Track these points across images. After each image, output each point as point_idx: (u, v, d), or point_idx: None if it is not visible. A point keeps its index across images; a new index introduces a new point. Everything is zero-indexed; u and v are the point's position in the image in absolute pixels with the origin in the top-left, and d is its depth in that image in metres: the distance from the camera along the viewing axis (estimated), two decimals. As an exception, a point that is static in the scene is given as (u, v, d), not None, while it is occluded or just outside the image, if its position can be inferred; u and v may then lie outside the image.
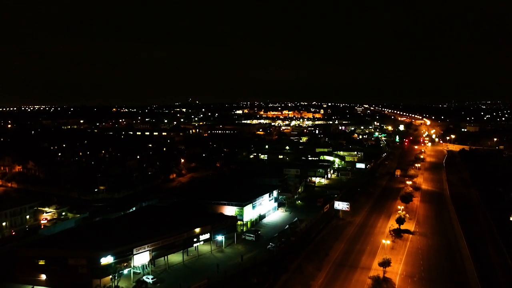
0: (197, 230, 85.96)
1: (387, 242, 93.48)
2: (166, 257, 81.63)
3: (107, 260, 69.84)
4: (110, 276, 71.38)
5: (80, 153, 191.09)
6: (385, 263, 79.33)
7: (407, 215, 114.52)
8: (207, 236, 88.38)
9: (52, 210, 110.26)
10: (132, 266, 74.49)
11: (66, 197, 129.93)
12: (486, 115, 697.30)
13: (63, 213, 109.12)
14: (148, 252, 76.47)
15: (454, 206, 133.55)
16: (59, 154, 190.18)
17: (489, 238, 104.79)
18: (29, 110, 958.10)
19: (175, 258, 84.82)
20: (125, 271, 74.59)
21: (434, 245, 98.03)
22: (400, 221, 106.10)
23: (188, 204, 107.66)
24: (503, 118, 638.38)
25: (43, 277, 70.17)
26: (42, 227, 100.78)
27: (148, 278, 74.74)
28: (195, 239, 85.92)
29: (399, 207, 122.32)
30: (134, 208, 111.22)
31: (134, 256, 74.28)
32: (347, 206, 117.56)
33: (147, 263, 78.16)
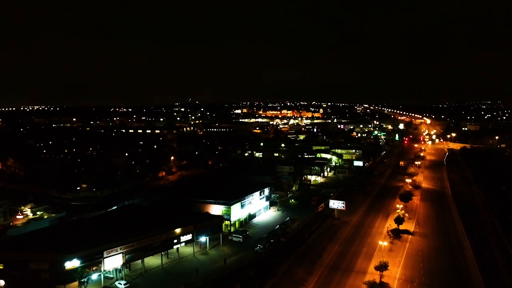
0: (178, 230, 79.07)
1: (384, 243, 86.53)
2: (143, 260, 74.77)
3: (72, 264, 62.87)
4: (78, 282, 64.54)
5: (66, 150, 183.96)
6: (382, 267, 72.58)
7: (407, 215, 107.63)
8: (189, 237, 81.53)
9: (27, 209, 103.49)
10: (102, 270, 67.50)
11: (45, 195, 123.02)
12: (487, 115, 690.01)
13: (38, 212, 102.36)
14: (121, 255, 69.50)
15: (456, 205, 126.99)
16: (44, 151, 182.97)
17: (493, 238, 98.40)
18: (27, 110, 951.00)
19: (154, 261, 78.02)
20: (95, 276, 67.67)
21: (435, 246, 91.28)
22: (399, 220, 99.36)
23: (172, 203, 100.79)
24: (504, 118, 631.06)
25: (2, 283, 63.20)
26: (12, 225, 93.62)
27: (121, 284, 67.97)
28: (175, 241, 79.01)
29: (398, 206, 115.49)
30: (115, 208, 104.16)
31: (105, 259, 67.31)
32: (343, 205, 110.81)
33: (120, 267, 71.17)
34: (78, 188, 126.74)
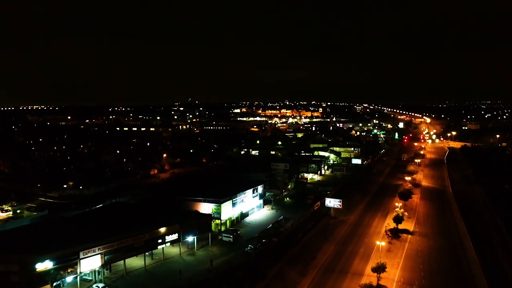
0: (162, 230, 74.36)
1: (382, 243, 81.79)
2: (124, 261, 70.09)
3: (44, 265, 58.14)
4: (50, 285, 59.76)
5: (55, 148, 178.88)
6: (380, 268, 67.97)
7: (406, 214, 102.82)
8: (175, 236, 76.83)
9: (8, 207, 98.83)
10: (78, 272, 62.74)
11: (29, 193, 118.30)
12: (487, 114, 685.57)
13: (18, 211, 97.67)
14: (99, 255, 64.75)
15: (457, 203, 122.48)
16: (33, 148, 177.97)
17: (497, 238, 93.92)
18: (26, 109, 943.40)
19: (138, 262, 73.35)
20: (70, 279, 62.88)
21: (436, 246, 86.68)
22: (398, 219, 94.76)
23: (160, 202, 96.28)
24: (504, 117, 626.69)
25: (-32, 286, 58.53)
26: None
27: (98, 287, 63.38)
28: (159, 241, 74.28)
29: (397, 204, 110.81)
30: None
31: (81, 260, 62.56)
32: (339, 203, 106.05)
33: (99, 269, 66.37)
34: (65, 186, 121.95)
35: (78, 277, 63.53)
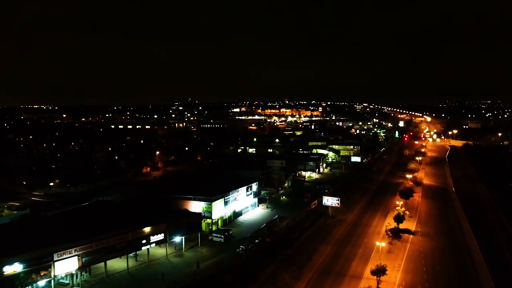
0: (147, 229, 69.38)
1: (382, 244, 76.94)
2: (105, 263, 65.21)
3: (13, 268, 53.21)
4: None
5: (45, 145, 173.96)
6: (380, 271, 63.23)
7: (407, 212, 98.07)
8: (160, 237, 71.89)
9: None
10: (53, 275, 57.78)
11: (13, 191, 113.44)
12: (487, 114, 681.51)
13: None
14: (76, 257, 59.77)
15: (460, 202, 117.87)
16: (22, 145, 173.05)
17: (503, 238, 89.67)
18: (25, 108, 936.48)
19: (120, 264, 68.44)
20: (43, 282, 57.88)
21: (439, 247, 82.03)
22: (399, 219, 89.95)
23: (148, 200, 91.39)
24: (505, 116, 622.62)
25: None
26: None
27: (74, 291, 58.37)
28: (144, 241, 69.31)
29: (397, 203, 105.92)
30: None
31: (56, 262, 57.61)
32: (337, 202, 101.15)
33: (76, 271, 61.35)
34: (51, 183, 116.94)
35: (53, 281, 58.55)
